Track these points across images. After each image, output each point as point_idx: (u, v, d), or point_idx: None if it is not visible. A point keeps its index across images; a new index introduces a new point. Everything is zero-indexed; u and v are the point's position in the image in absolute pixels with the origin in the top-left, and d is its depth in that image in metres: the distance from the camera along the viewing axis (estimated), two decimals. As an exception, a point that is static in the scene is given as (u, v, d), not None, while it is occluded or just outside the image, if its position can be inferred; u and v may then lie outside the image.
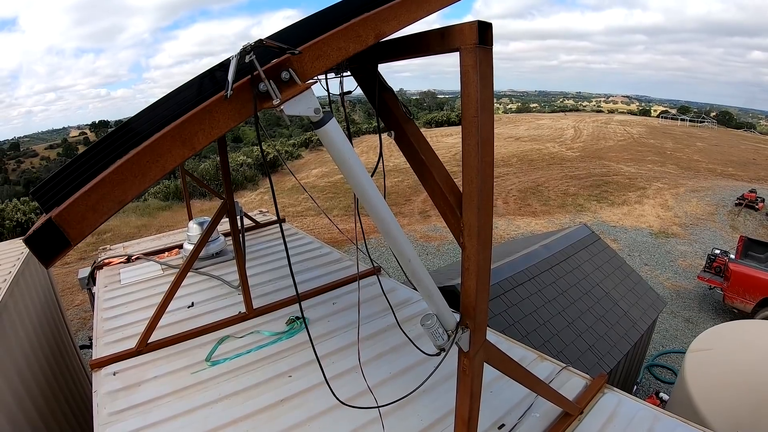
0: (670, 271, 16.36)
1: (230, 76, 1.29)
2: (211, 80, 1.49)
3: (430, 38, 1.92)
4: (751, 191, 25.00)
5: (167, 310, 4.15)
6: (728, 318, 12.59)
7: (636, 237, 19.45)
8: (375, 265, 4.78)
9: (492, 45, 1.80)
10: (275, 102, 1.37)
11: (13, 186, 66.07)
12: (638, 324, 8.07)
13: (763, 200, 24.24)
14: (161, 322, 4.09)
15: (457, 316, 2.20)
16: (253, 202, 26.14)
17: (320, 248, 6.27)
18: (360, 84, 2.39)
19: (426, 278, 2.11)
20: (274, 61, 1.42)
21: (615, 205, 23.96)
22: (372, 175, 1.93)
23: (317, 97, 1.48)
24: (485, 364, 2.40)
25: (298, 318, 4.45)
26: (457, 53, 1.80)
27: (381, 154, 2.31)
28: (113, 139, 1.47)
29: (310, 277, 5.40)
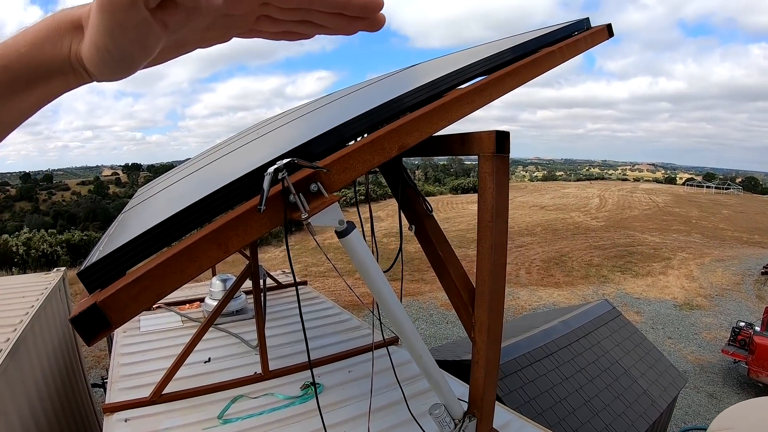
0: (693, 344, 16.03)
1: (265, 191, 1.42)
2: (243, 187, 1.63)
3: (452, 142, 2.07)
4: None
5: (185, 363, 4.23)
6: (753, 392, 12.36)
7: (660, 309, 19.14)
8: (389, 335, 4.83)
9: (509, 152, 1.92)
10: (303, 216, 1.49)
11: (42, 216, 67.33)
12: (657, 402, 7.92)
13: (789, 268, 23.71)
14: (177, 374, 4.15)
15: (465, 405, 2.26)
16: (276, 258, 26.35)
17: (340, 314, 6.34)
18: (385, 176, 2.54)
19: (435, 371, 2.19)
20: (303, 173, 1.55)
21: (639, 276, 23.66)
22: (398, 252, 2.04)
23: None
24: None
25: (312, 383, 4.49)
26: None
27: (401, 248, 2.43)
28: (158, 231, 1.61)
29: (327, 342, 5.45)
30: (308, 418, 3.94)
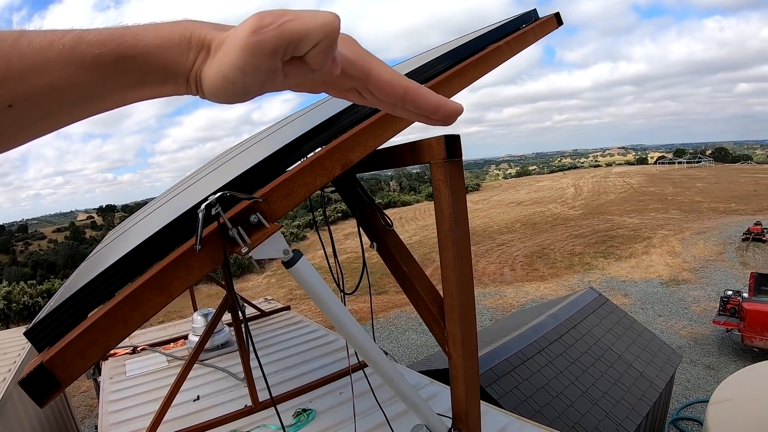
0: (684, 319, 16.14)
1: (199, 230, 1.34)
2: (182, 227, 1.55)
3: (403, 152, 2.00)
4: (756, 224, 24.99)
5: (173, 403, 4.11)
6: (750, 358, 12.40)
7: (647, 289, 19.27)
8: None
9: (461, 156, 1.85)
10: (243, 250, 1.41)
11: (21, 268, 66.12)
12: (655, 383, 7.90)
13: (769, 231, 24.12)
14: (167, 416, 4.04)
15: (447, 421, 2.18)
16: (259, 287, 26.11)
17: (325, 336, 6.25)
18: (340, 193, 2.46)
19: (410, 393, 2.12)
20: (240, 205, 1.47)
21: (622, 259, 23.83)
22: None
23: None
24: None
25: (305, 410, 4.40)
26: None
27: (365, 266, 2.35)
28: (100, 282, 1.52)
29: (315, 366, 5.36)
30: (304, 446, 3.87)
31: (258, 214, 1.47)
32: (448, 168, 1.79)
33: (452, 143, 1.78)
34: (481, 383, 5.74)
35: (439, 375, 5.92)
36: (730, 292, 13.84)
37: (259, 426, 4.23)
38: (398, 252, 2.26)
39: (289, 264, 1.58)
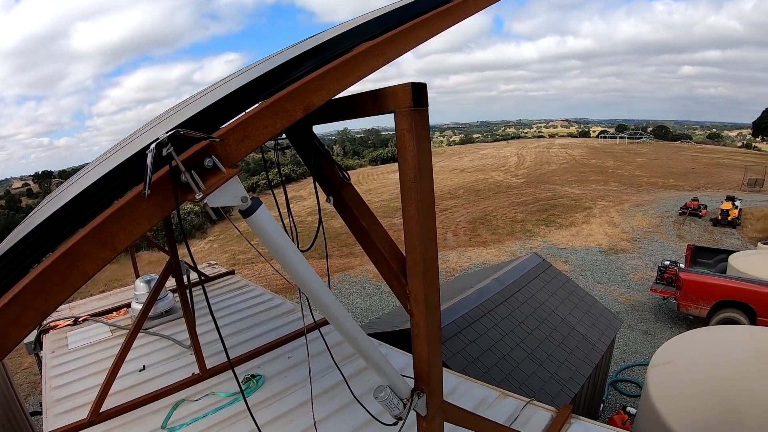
0: (623, 286, 16.68)
1: (148, 172, 1.21)
2: (129, 169, 1.40)
3: (364, 101, 1.87)
4: (693, 200, 26.18)
5: (118, 375, 3.97)
6: (684, 325, 13.01)
7: (586, 256, 19.83)
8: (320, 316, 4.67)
9: (427, 106, 1.75)
10: (197, 196, 1.29)
11: (-46, 239, 62.84)
12: (597, 345, 8.14)
13: (705, 207, 25.42)
14: (113, 389, 3.91)
15: (410, 381, 2.13)
16: (203, 251, 25.61)
17: (271, 299, 6.15)
18: (294, 146, 2.33)
19: (374, 353, 2.04)
20: (194, 148, 1.34)
21: (563, 228, 24.41)
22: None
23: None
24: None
25: (254, 376, 4.32)
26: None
27: (321, 222, 2.25)
28: (34, 238, 1.37)
29: (263, 331, 5.27)
30: (255, 412, 3.75)
31: (213, 157, 1.34)
32: (414, 117, 1.69)
33: (419, 91, 1.68)
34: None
35: (386, 338, 5.94)
36: (667, 263, 14.39)
37: (207, 394, 4.14)
38: (356, 206, 2.16)
39: (247, 213, 1.46)
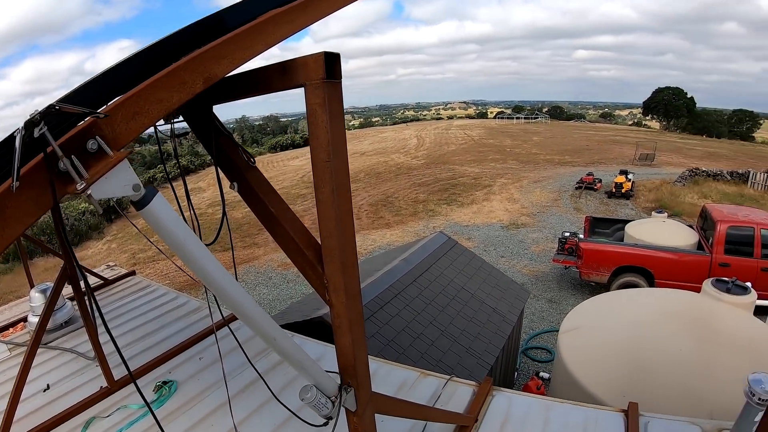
0: (525, 258, 17.26)
1: (15, 160, 0.99)
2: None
3: (271, 74, 1.68)
4: (588, 174, 27.83)
5: (21, 399, 3.55)
6: (587, 291, 13.68)
7: (489, 232, 20.35)
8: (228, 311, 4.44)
9: (341, 78, 1.61)
10: (79, 187, 1.07)
11: None
12: (508, 317, 8.35)
13: (600, 181, 27.09)
14: (17, 414, 3.49)
15: (336, 377, 2.00)
16: (99, 254, 24.15)
17: (176, 299, 5.80)
18: (193, 128, 2.09)
19: (296, 352, 1.89)
20: (74, 130, 1.12)
21: (465, 206, 24.92)
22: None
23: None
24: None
25: (165, 383, 4.04)
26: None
27: (224, 213, 2.06)
28: None
29: (171, 332, 4.95)
30: (171, 422, 3.55)
31: (98, 138, 1.12)
32: (327, 90, 1.53)
33: (332, 61, 1.53)
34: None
35: (296, 328, 5.78)
36: (567, 234, 15.01)
37: (119, 408, 3.82)
38: (263, 191, 1.95)
39: (141, 204, 1.24)
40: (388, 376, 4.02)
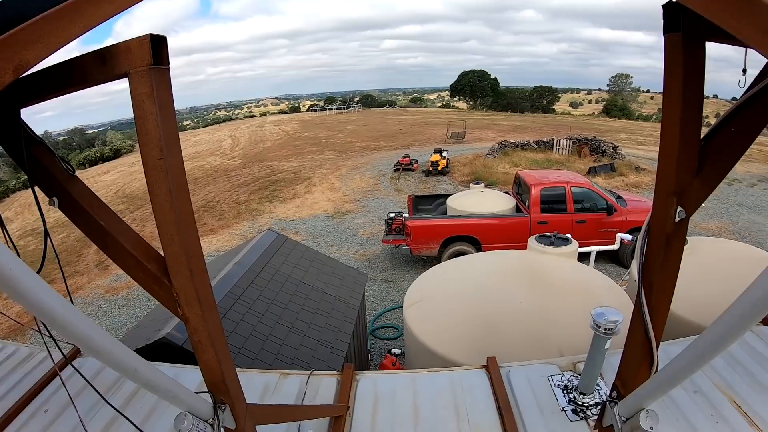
0: (355, 244, 17.54)
1: None
2: None
3: (86, 65, 1.43)
4: (404, 156, 29.16)
5: None
6: (420, 266, 14.36)
7: (315, 224, 20.42)
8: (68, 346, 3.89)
9: (169, 64, 1.43)
10: None
11: None
12: (351, 302, 8.40)
13: (416, 161, 28.44)
14: None
15: (207, 397, 1.81)
16: None
17: (2, 350, 4.92)
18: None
19: (161, 379, 1.65)
20: None
21: (287, 201, 24.74)
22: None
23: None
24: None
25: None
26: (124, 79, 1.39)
27: (46, 233, 1.76)
28: None
29: (3, 391, 4.19)
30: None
31: None
32: (155, 77, 1.34)
33: (159, 45, 1.34)
34: (185, 346, 5.32)
35: (143, 354, 5.29)
36: (392, 214, 15.46)
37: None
38: (89, 203, 1.68)
39: None
40: (248, 385, 3.81)
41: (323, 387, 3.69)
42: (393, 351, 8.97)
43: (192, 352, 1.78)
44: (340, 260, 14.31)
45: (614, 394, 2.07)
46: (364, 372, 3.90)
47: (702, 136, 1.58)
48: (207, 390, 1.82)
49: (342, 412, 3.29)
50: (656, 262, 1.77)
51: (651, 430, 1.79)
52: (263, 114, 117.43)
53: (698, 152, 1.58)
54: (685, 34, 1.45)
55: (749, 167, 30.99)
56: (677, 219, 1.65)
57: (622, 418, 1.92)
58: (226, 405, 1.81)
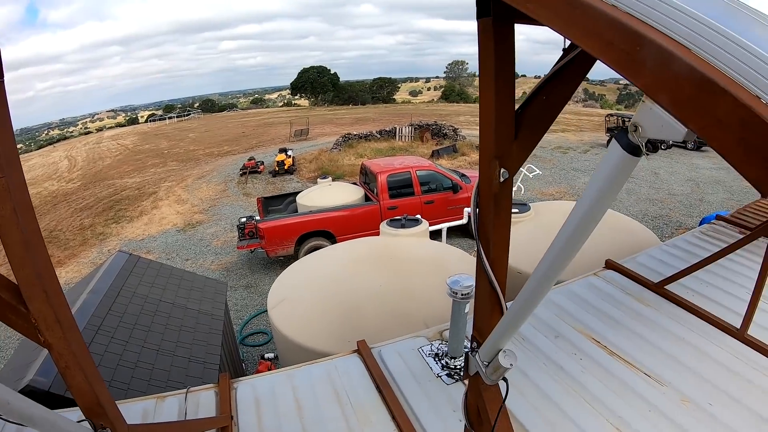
0: (210, 255, 16.99)
1: None
2: None
3: None
4: (250, 159, 28.73)
5: None
6: (278, 267, 14.08)
7: (167, 239, 19.54)
8: None
9: (3, 76, 1.34)
10: None
11: None
12: (215, 314, 8.16)
13: (262, 163, 28.21)
14: None
15: (86, 424, 1.70)
16: None
17: None
18: None
19: (38, 412, 1.53)
20: None
21: (134, 219, 23.40)
22: None
23: None
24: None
25: None
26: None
27: None
28: None
29: None
30: None
31: None
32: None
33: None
34: (52, 390, 4.90)
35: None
36: (244, 219, 15.23)
37: None
38: None
39: None
40: (126, 414, 3.60)
41: (203, 402, 3.60)
42: (266, 356, 8.85)
43: (63, 396, 1.66)
44: (199, 272, 13.83)
45: (474, 344, 2.25)
46: (240, 379, 3.87)
47: (518, 106, 1.77)
48: (84, 418, 1.71)
49: (227, 422, 3.24)
50: (488, 219, 1.93)
51: (510, 366, 1.98)
52: (100, 129, 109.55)
53: (514, 120, 1.76)
54: (494, 18, 1.59)
55: (582, 137, 34.33)
56: (501, 179, 1.83)
57: (484, 362, 2.08)
58: (107, 428, 1.72)
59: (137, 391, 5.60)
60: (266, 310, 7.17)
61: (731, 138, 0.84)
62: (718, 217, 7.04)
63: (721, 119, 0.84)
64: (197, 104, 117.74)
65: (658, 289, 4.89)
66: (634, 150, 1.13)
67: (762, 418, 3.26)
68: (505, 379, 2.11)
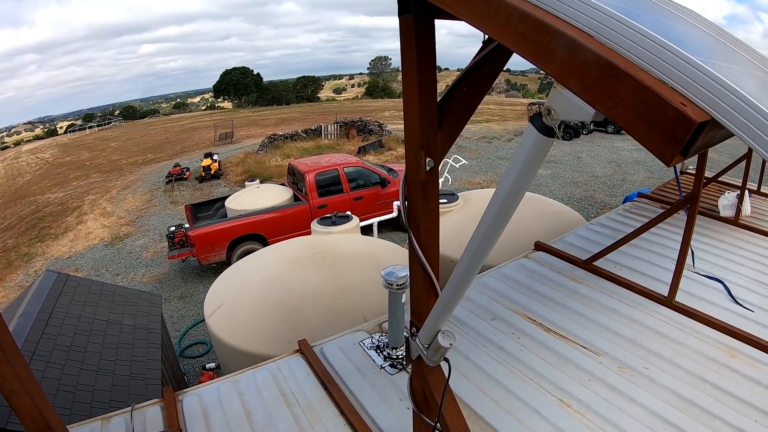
0: (141, 267, 16.48)
1: None
2: None
3: None
4: (175, 166, 27.97)
5: None
6: (213, 274, 13.76)
7: (95, 255, 18.82)
8: None
9: None
10: None
11: None
12: (152, 327, 8.02)
13: (188, 169, 27.53)
14: None
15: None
16: None
17: None
18: None
19: None
20: None
21: (60, 237, 22.39)
22: None
23: None
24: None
25: None
26: None
27: None
28: None
29: None
30: None
31: None
32: None
33: None
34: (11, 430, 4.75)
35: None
36: (173, 228, 14.95)
37: None
38: None
39: None
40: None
41: (150, 417, 3.59)
42: (208, 366, 8.77)
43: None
44: (128, 285, 13.46)
45: (413, 330, 2.38)
46: (185, 390, 3.88)
47: (440, 98, 1.92)
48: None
49: (174, 436, 3.26)
50: (417, 207, 2.08)
51: (450, 346, 2.13)
52: (17, 143, 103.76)
53: (437, 110, 1.90)
54: (415, 15, 1.73)
55: (506, 126, 35.24)
56: (428, 168, 1.98)
57: (425, 345, 2.23)
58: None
59: (81, 416, 5.48)
60: (204, 320, 7.12)
61: (634, 115, 0.99)
62: (640, 195, 7.53)
63: (624, 99, 1.00)
64: (118, 111, 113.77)
65: (588, 265, 5.25)
66: (548, 131, 1.28)
67: (695, 376, 3.62)
68: (446, 360, 2.25)
